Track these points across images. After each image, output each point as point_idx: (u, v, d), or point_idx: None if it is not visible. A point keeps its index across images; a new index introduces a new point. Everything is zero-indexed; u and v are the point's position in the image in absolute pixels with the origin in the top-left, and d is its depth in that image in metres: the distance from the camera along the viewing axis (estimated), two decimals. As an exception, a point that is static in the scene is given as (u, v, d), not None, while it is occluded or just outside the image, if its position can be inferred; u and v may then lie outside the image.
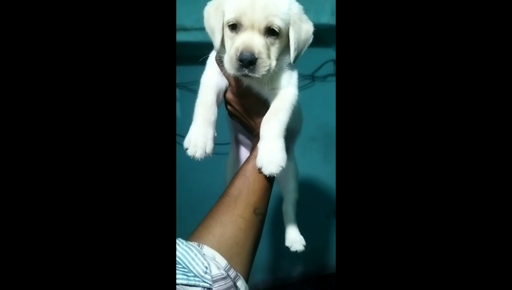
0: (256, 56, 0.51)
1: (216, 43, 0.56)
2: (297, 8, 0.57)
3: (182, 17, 1.16)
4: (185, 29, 1.17)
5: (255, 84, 0.61)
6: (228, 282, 0.49)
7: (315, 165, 1.84)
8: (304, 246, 0.82)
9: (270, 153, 0.56)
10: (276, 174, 0.56)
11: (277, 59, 0.56)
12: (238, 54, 0.51)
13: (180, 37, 1.17)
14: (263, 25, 0.52)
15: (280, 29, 0.53)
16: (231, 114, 0.70)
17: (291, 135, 0.73)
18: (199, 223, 0.57)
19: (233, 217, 0.55)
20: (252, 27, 0.52)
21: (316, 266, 1.87)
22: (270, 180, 0.60)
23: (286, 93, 0.61)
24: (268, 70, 0.53)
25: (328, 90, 1.83)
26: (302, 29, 0.57)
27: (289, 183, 0.84)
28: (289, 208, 0.85)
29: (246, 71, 0.52)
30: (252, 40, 0.51)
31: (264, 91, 0.62)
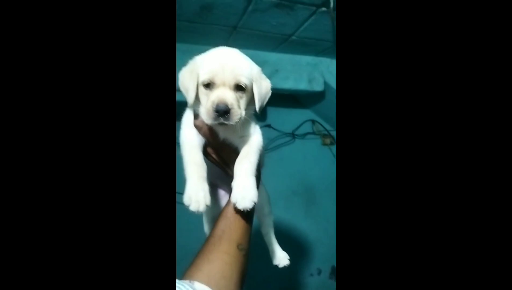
0: (230, 107, 0.61)
1: (191, 99, 0.66)
2: (256, 69, 0.69)
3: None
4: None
5: (229, 135, 0.70)
6: None
7: (297, 219, 1.85)
8: (289, 260, 0.94)
9: (243, 190, 0.63)
10: (249, 208, 0.63)
11: (245, 109, 0.67)
12: (214, 106, 0.61)
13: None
14: (232, 83, 0.63)
15: (246, 85, 0.64)
16: (210, 161, 0.78)
17: (259, 167, 0.84)
18: (189, 264, 0.61)
19: (219, 254, 0.61)
20: (224, 84, 0.63)
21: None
22: (249, 217, 0.67)
23: (253, 139, 0.71)
24: (240, 118, 0.63)
25: (307, 147, 1.95)
26: (262, 85, 0.69)
27: (264, 208, 0.93)
28: (268, 230, 0.95)
29: (222, 120, 0.61)
30: (225, 94, 0.62)
31: (236, 141, 0.71)
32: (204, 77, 0.63)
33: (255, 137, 0.71)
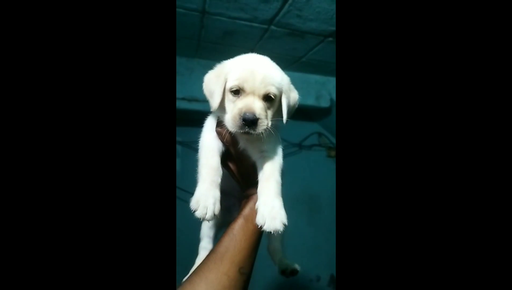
0: (257, 117, 0.58)
1: (215, 103, 0.62)
2: (287, 79, 0.66)
3: (195, 92, 1.46)
4: (197, 100, 1.46)
5: (249, 146, 0.66)
6: None
7: (300, 226, 1.94)
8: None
9: (272, 210, 0.58)
10: (280, 231, 0.56)
11: (271, 120, 0.63)
12: (241, 114, 0.58)
13: (193, 106, 1.47)
14: (262, 92, 0.60)
15: (275, 95, 0.61)
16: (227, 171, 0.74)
17: None
18: (185, 279, 0.59)
19: (218, 275, 0.56)
20: (253, 93, 0.60)
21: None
22: (257, 240, 0.62)
23: (276, 158, 0.66)
24: (266, 129, 0.59)
25: (312, 158, 2.06)
26: (291, 97, 0.67)
27: (277, 241, 0.93)
28: (276, 245, 0.93)
29: (247, 129, 0.58)
30: (254, 103, 0.59)
31: (254, 154, 0.67)
32: (232, 83, 0.60)
33: (278, 158, 0.66)
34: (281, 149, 0.68)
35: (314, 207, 2.02)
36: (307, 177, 2.00)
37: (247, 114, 0.57)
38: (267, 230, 0.57)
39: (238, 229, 0.61)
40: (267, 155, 0.66)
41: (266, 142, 0.65)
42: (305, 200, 2.01)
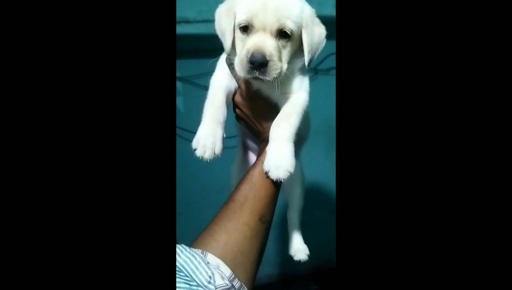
0: (268, 58, 0.50)
1: (227, 45, 0.56)
2: (309, 11, 0.57)
3: (184, 9, 1.15)
4: (188, 21, 1.16)
5: (265, 87, 0.60)
6: None
7: (318, 160, 1.84)
8: (308, 255, 0.81)
9: (278, 157, 0.55)
10: (284, 179, 0.55)
11: (289, 63, 0.55)
12: (249, 56, 0.50)
13: (183, 29, 1.16)
14: (275, 27, 0.51)
15: (292, 32, 0.53)
16: (238, 118, 0.70)
17: (299, 141, 0.71)
18: (204, 229, 0.56)
19: (238, 225, 0.54)
20: (264, 29, 0.51)
21: (320, 261, 1.87)
22: (276, 186, 0.59)
23: (298, 97, 0.60)
24: (280, 73, 0.52)
25: (331, 83, 1.82)
26: (315, 32, 0.57)
27: (295, 189, 0.82)
28: (293, 216, 0.84)
29: (256, 74, 0.51)
30: (264, 42, 0.51)
31: (275, 95, 0.61)
32: (240, 18, 0.53)
33: (300, 96, 0.60)
34: (305, 89, 0.61)
35: (334, 138, 1.86)
36: (325, 106, 1.80)
37: (256, 55, 0.50)
38: (271, 177, 0.55)
39: (257, 176, 0.58)
40: (288, 97, 0.60)
41: (283, 86, 0.57)
42: (323, 132, 1.86)
